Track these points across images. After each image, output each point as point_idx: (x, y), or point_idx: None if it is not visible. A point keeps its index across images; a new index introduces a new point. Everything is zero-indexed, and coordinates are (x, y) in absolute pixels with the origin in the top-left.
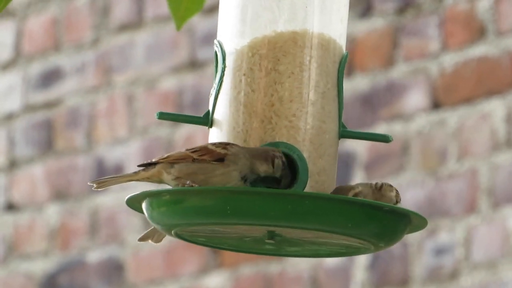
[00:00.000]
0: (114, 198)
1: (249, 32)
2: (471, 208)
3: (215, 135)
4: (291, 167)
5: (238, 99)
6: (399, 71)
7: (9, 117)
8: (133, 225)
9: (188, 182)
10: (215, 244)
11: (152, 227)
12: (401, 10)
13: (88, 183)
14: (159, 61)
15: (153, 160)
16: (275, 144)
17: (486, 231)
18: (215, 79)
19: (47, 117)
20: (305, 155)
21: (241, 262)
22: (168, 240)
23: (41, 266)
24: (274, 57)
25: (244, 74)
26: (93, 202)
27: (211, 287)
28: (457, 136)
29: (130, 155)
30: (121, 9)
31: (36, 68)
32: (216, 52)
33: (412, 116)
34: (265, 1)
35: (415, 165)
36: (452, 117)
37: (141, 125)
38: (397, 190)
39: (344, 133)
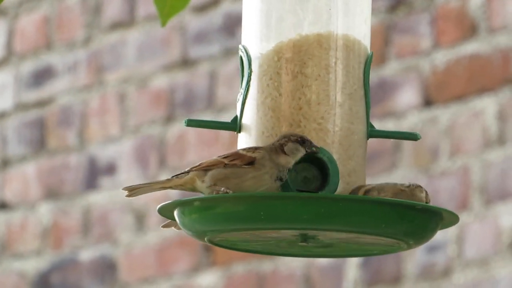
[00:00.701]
0: (107, 196)
1: (274, 36)
2: (463, 205)
3: (244, 140)
4: (322, 169)
5: (266, 104)
6: (391, 68)
7: (1, 115)
8: (125, 223)
9: (222, 189)
10: (248, 248)
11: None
12: (393, 8)
13: (121, 189)
14: (151, 60)
15: (187, 169)
16: None
17: (478, 228)
18: (241, 84)
19: (39, 116)
20: (335, 157)
21: (234, 260)
22: (161, 238)
23: (33, 265)
24: (300, 61)
25: (271, 79)
26: (86, 201)
27: (203, 286)
28: (449, 134)
29: (122, 153)
30: (113, 8)
31: (28, 66)
32: (241, 57)
33: (404, 114)
34: (289, 4)
35: (407, 163)
36: (444, 114)
37: (133, 124)
38: (426, 192)
39: (372, 133)
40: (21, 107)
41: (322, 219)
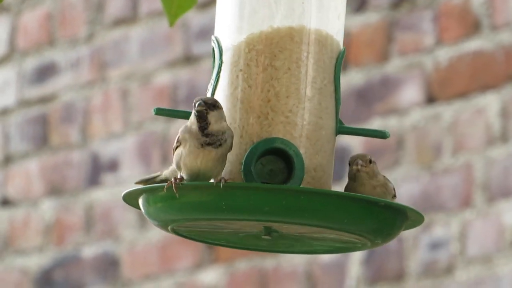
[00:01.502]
0: (109, 193)
1: (246, 28)
2: (466, 202)
3: None
4: (288, 163)
5: (235, 95)
6: (394, 65)
7: (4, 112)
8: (128, 220)
9: (179, 176)
10: (212, 240)
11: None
12: (396, 5)
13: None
14: (154, 56)
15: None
16: (272, 140)
17: (481, 225)
18: (212, 75)
19: (42, 112)
20: (302, 151)
21: (236, 257)
22: (163, 235)
23: (36, 262)
24: (270, 53)
25: (241, 70)
26: (88, 198)
27: (206, 283)
28: (452, 131)
29: (125, 150)
30: (116, 4)
31: (31, 63)
32: (213, 48)
33: (407, 111)
34: None
35: (410, 160)
36: (447, 111)
37: (136, 120)
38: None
39: (341, 129)
40: (23, 103)
41: (284, 211)
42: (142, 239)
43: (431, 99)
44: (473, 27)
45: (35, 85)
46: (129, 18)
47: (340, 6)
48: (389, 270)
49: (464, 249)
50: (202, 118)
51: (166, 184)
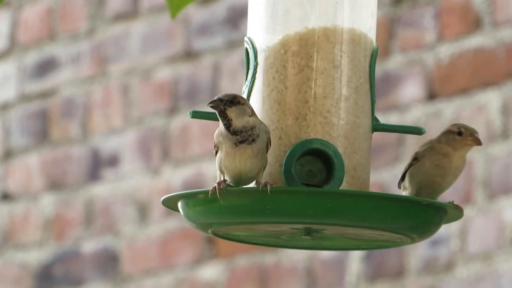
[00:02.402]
0: (110, 188)
1: (280, 29)
2: (466, 199)
3: None
4: (327, 163)
5: (272, 97)
6: (395, 62)
7: (4, 107)
8: (128, 216)
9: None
10: (252, 240)
11: None
12: (397, 1)
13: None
14: (155, 51)
15: None
16: (310, 141)
17: (481, 222)
18: (246, 77)
19: (42, 107)
20: (341, 150)
21: (237, 253)
22: (163, 231)
23: (36, 256)
24: (306, 54)
25: (277, 72)
26: (88, 193)
27: (206, 278)
28: None
29: (125, 145)
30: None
31: (32, 57)
32: (247, 49)
33: (408, 107)
34: None
35: (410, 156)
36: (448, 108)
37: (137, 116)
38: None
39: (377, 127)
40: (24, 98)
41: (328, 214)
42: (142, 234)
43: (432, 95)
44: (474, 24)
45: (36, 80)
46: (130, 13)
47: (373, 3)
48: (389, 266)
49: (464, 246)
50: (222, 116)
51: (210, 189)
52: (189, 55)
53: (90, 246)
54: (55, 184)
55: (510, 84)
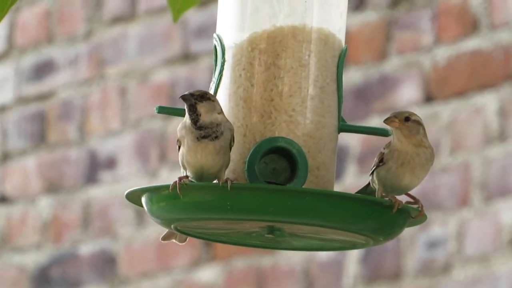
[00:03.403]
0: (107, 190)
1: (248, 27)
2: (463, 201)
3: None
4: (291, 162)
5: (238, 94)
6: (392, 64)
7: (2, 109)
8: (125, 218)
9: (187, 176)
10: (213, 237)
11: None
12: (394, 4)
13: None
14: (152, 54)
15: None
16: (274, 139)
17: (478, 224)
18: (214, 73)
19: (39, 110)
20: (305, 150)
21: (234, 255)
22: (161, 233)
23: (33, 259)
24: (273, 52)
25: (244, 69)
26: (86, 195)
27: (203, 281)
28: (449, 130)
29: (122, 147)
30: (114, 2)
31: (29, 60)
32: (215, 46)
33: (405, 109)
34: None
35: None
36: (445, 110)
37: (134, 118)
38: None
39: (344, 127)
40: (21, 100)
41: (289, 211)
42: (139, 236)
43: (429, 98)
44: (472, 26)
45: (33, 82)
46: (127, 16)
47: (342, 3)
48: (386, 268)
49: (461, 248)
50: (191, 110)
51: (171, 184)
52: (187, 57)
53: (87, 248)
54: (52, 187)
55: (507, 87)
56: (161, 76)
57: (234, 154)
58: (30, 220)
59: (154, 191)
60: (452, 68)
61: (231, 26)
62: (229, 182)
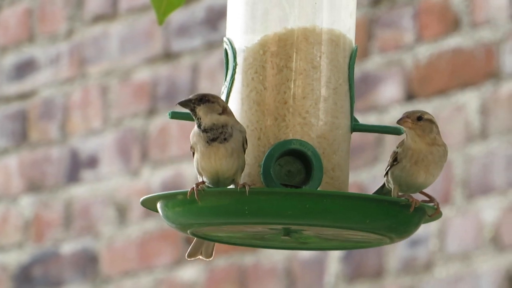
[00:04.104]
0: (89, 189)
1: (259, 29)
2: (445, 199)
3: None
4: (306, 163)
5: (251, 97)
6: (373, 62)
7: None
8: (107, 217)
9: (204, 182)
10: (231, 240)
11: (195, 240)
12: (376, 2)
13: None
14: (134, 53)
15: None
16: (289, 142)
17: (460, 222)
18: (225, 77)
19: (21, 109)
20: (319, 151)
21: (216, 254)
22: (143, 232)
23: (15, 258)
24: (285, 54)
25: (256, 72)
26: (68, 194)
27: (185, 279)
28: None
29: (104, 146)
30: (95, 1)
31: (10, 59)
32: (226, 49)
33: (387, 108)
34: None
35: (389, 157)
36: (427, 108)
37: (116, 117)
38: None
39: (356, 127)
40: (3, 99)
41: (307, 214)
42: (121, 235)
43: (410, 96)
44: (453, 24)
45: (14, 81)
46: (108, 15)
47: (351, 3)
48: (368, 267)
49: (443, 246)
50: (193, 115)
51: (188, 190)
52: (168, 56)
53: (69, 247)
54: (34, 186)
55: (488, 85)
56: (143, 75)
57: (249, 157)
58: (12, 219)
59: (170, 198)
60: (434, 66)
61: (242, 29)
62: (247, 187)
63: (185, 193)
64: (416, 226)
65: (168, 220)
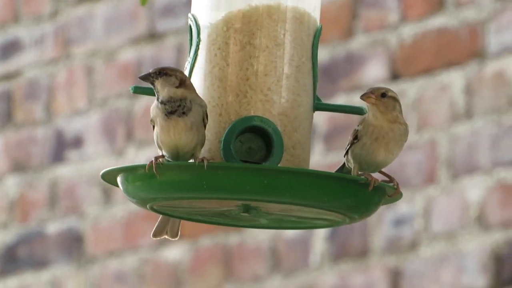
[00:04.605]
0: (74, 169)
1: (224, 6)
2: (430, 179)
3: None
4: (267, 140)
5: (213, 73)
6: (358, 42)
7: None
8: (92, 197)
9: (162, 155)
10: (188, 216)
11: (161, 218)
12: None
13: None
14: (118, 33)
15: None
16: (250, 118)
17: (445, 202)
18: (189, 53)
19: (6, 89)
20: (280, 128)
21: (201, 233)
22: (128, 212)
23: (0, 238)
24: (249, 31)
25: (219, 48)
26: (53, 174)
27: (170, 259)
28: (416, 107)
29: (89, 126)
30: None
31: None
32: (190, 26)
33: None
34: None
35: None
36: (411, 88)
37: (100, 97)
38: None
39: (319, 106)
40: None
41: (265, 190)
42: (106, 215)
43: (395, 76)
44: (438, 4)
45: None
46: None
47: None
48: (353, 246)
49: (428, 226)
50: (153, 87)
51: (147, 163)
52: (153, 36)
53: (54, 227)
54: (19, 166)
55: (473, 64)
56: (128, 55)
57: (209, 133)
58: None
59: (130, 171)
60: (418, 46)
61: (206, 6)
62: (205, 161)
63: (145, 167)
64: (376, 205)
65: (128, 194)
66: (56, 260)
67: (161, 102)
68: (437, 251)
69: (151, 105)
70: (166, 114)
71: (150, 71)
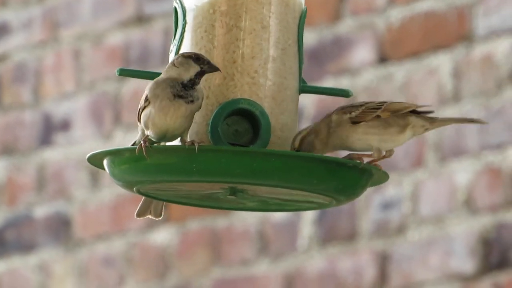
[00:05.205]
0: (62, 153)
1: None
2: (418, 162)
3: None
4: (254, 123)
5: None
6: (346, 25)
7: None
8: (80, 180)
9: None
10: (175, 199)
11: (144, 198)
12: None
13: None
14: (106, 16)
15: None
16: (237, 101)
17: (433, 185)
18: (175, 36)
19: None
20: (267, 111)
21: (188, 216)
22: (116, 195)
23: None
24: (235, 14)
25: (205, 31)
26: (40, 157)
27: (158, 242)
28: (404, 91)
29: (77, 110)
30: None
31: None
32: (175, 8)
33: (359, 71)
34: None
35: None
36: (399, 71)
37: (88, 80)
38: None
39: (304, 88)
40: None
41: (254, 173)
42: (94, 199)
43: (383, 59)
44: None
45: None
46: None
47: None
48: (341, 229)
49: (416, 209)
50: (201, 74)
51: (137, 146)
52: (141, 19)
53: (42, 211)
54: (7, 149)
55: (461, 48)
56: (115, 38)
57: (197, 116)
58: None
59: (116, 154)
60: (406, 29)
61: None
62: (196, 144)
63: (132, 150)
64: (363, 188)
65: (114, 177)
66: (44, 243)
67: (185, 86)
68: (425, 234)
69: (148, 84)
70: (174, 95)
71: (203, 56)
